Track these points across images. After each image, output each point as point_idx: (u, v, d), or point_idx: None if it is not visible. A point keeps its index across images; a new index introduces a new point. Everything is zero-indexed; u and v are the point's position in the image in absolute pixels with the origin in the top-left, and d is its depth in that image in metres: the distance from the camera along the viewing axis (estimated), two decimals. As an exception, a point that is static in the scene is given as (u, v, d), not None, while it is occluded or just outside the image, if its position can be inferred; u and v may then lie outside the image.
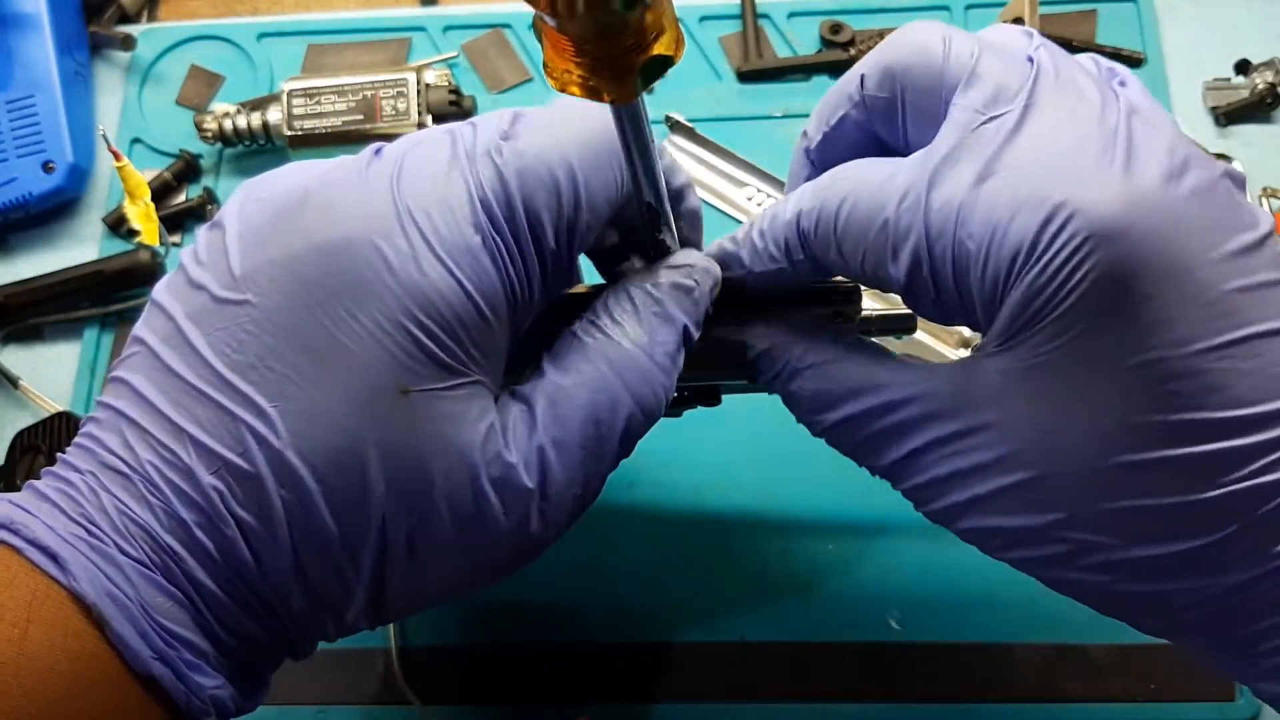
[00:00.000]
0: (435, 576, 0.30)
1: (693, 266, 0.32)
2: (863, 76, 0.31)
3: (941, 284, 0.28)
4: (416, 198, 0.28)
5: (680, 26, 0.23)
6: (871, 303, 0.49)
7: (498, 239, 0.28)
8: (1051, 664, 0.45)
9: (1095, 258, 0.25)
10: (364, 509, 0.28)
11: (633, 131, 0.27)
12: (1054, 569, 0.29)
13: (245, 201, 0.31)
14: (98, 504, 0.27)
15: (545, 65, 0.23)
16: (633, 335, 0.30)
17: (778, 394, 0.34)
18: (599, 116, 0.29)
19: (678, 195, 0.33)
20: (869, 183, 0.29)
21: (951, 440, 0.28)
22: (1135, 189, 0.25)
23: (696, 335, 0.32)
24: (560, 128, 0.29)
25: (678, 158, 0.55)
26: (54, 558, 0.26)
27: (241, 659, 0.29)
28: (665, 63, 0.23)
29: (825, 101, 0.33)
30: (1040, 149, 0.26)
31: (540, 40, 0.23)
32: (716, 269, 0.33)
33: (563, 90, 0.23)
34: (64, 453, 0.29)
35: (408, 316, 0.27)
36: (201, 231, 0.31)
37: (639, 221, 0.31)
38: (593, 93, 0.23)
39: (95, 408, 0.29)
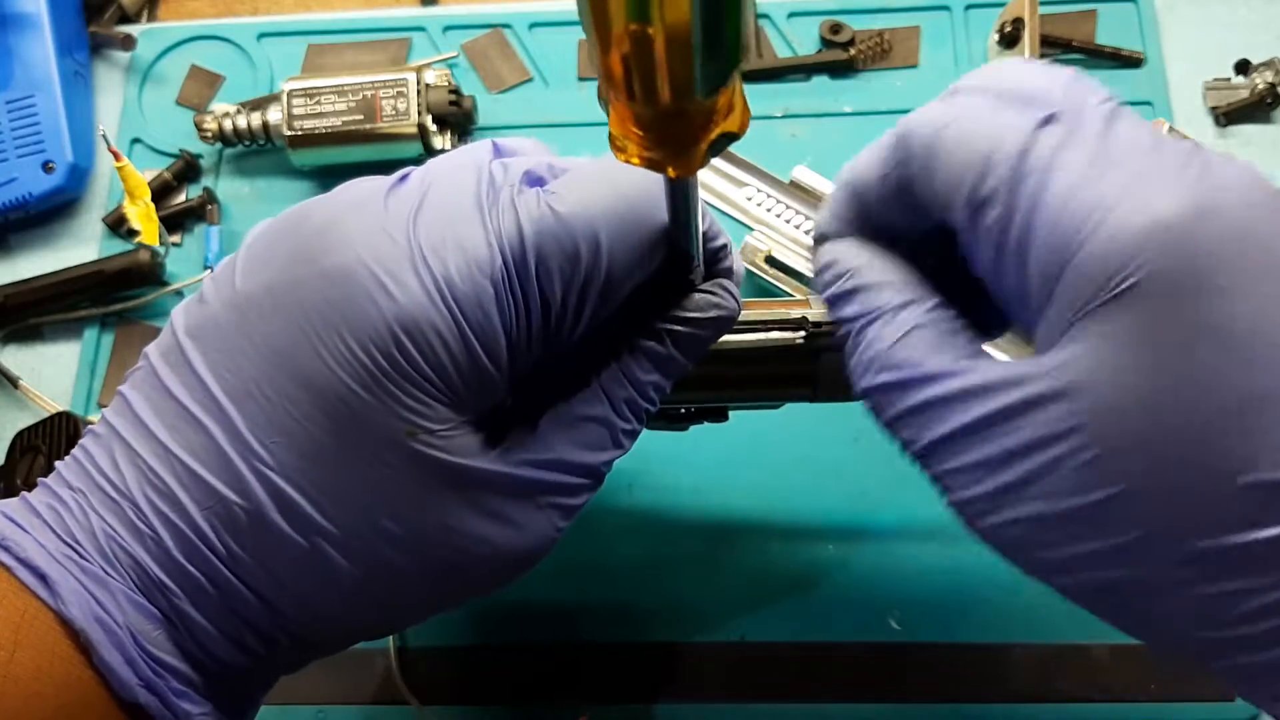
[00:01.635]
0: (450, 595, 0.30)
1: (713, 319, 0.31)
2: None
3: (1011, 228, 0.27)
4: (432, 238, 0.27)
5: (746, 99, 0.22)
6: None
7: (508, 294, 0.28)
8: (1051, 664, 0.45)
9: (1159, 247, 0.24)
10: (374, 547, 0.28)
11: (683, 198, 0.27)
12: (1106, 561, 0.26)
13: (269, 221, 0.30)
14: (87, 526, 0.27)
15: (610, 136, 0.23)
16: (634, 375, 0.31)
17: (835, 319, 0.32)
18: (634, 192, 0.29)
19: (714, 257, 0.32)
20: (982, 113, 0.28)
21: (1013, 414, 0.26)
22: (1202, 196, 0.25)
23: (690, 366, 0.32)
24: (593, 195, 0.29)
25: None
26: (43, 579, 0.25)
27: (232, 687, 0.29)
28: (731, 138, 0.22)
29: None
30: (1127, 140, 0.26)
31: (605, 109, 0.22)
32: (735, 307, 0.32)
33: (625, 160, 0.23)
34: (61, 461, 0.29)
35: (409, 362, 0.27)
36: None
37: (673, 269, 0.31)
38: (655, 165, 0.23)
39: (99, 420, 0.29)
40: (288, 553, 0.27)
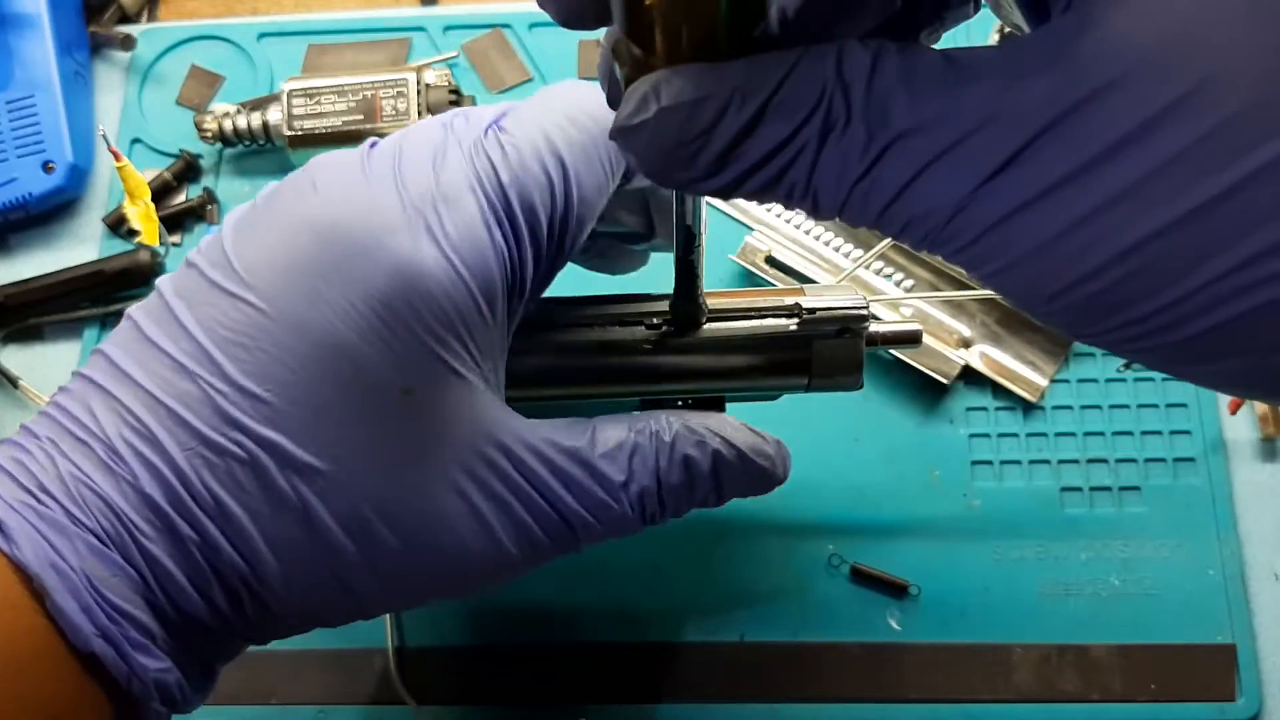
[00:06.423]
0: (431, 580, 0.29)
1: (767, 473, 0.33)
2: None
3: None
4: (419, 190, 0.28)
5: None
6: (880, 315, 0.50)
7: (499, 234, 0.28)
8: (1051, 664, 0.45)
9: None
10: (357, 505, 0.27)
11: None
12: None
13: (245, 205, 0.30)
14: (54, 472, 0.26)
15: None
16: (664, 478, 0.31)
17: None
18: (585, 110, 0.29)
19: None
20: None
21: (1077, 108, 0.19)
22: None
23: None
24: (548, 121, 0.29)
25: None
26: None
27: (192, 646, 0.28)
28: None
29: None
30: None
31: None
32: (784, 470, 0.34)
33: None
34: (28, 422, 0.28)
35: (413, 315, 0.27)
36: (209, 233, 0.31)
37: (675, 245, 0.31)
38: None
39: (71, 379, 0.28)
40: (273, 502, 0.26)
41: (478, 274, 0.27)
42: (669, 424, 0.31)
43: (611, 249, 0.38)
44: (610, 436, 0.30)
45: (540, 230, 0.28)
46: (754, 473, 0.33)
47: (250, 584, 0.27)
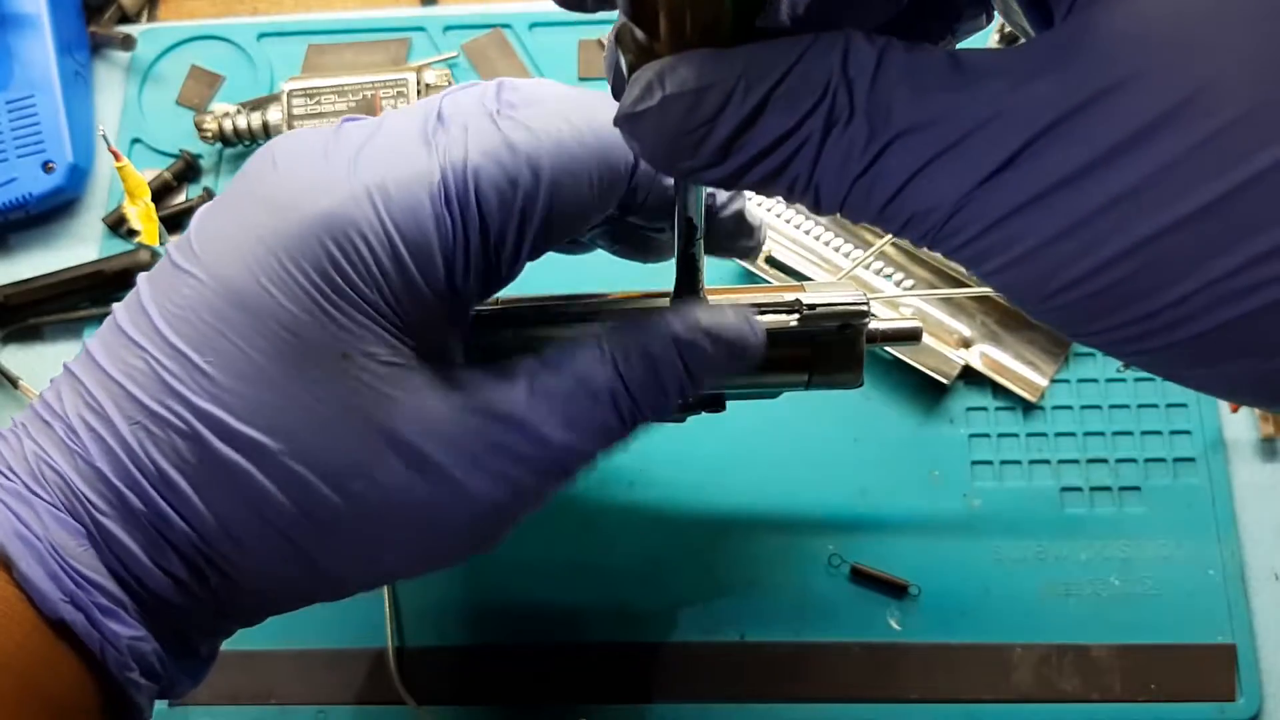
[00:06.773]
0: (385, 555, 0.29)
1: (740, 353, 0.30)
2: None
3: None
4: (375, 166, 0.27)
5: None
6: (880, 313, 0.50)
7: (445, 211, 0.27)
8: (1051, 664, 0.45)
9: None
10: (302, 476, 0.27)
11: None
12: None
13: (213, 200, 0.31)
14: (19, 452, 0.27)
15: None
16: (626, 374, 0.29)
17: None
18: (584, 124, 0.29)
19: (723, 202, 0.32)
20: None
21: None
22: None
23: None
24: (543, 124, 0.28)
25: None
26: None
27: (162, 619, 0.28)
28: None
29: None
30: None
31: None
32: (759, 346, 0.30)
33: None
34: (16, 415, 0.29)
35: (340, 275, 0.26)
36: None
37: (677, 234, 0.31)
38: None
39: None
40: (216, 474, 0.26)
41: (411, 238, 0.27)
42: (615, 326, 0.30)
43: (635, 235, 0.38)
44: (555, 361, 0.29)
45: (491, 218, 0.27)
46: (723, 347, 0.30)
47: (207, 555, 0.27)
